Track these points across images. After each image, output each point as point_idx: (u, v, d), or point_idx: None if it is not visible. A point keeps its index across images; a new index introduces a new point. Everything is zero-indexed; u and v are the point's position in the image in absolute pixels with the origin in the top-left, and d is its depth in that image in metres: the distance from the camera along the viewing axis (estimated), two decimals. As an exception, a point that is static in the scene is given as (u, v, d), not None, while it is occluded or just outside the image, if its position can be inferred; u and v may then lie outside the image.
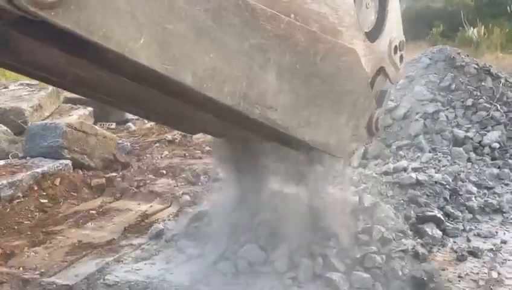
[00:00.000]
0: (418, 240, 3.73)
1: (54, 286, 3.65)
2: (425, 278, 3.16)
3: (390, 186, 4.48)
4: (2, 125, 6.83)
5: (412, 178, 4.36)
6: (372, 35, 3.39)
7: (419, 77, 6.12)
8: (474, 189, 4.40)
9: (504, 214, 4.15)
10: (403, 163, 4.83)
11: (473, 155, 5.14)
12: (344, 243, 3.48)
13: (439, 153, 5.14)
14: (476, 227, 3.96)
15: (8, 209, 5.14)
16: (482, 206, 4.21)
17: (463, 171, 4.79)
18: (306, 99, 2.64)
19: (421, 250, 3.53)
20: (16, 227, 4.97)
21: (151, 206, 5.42)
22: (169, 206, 5.35)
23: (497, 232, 3.84)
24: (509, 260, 3.37)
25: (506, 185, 4.71)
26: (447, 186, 4.31)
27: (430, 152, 5.23)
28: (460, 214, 4.10)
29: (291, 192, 3.79)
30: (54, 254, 4.32)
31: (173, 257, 4.04)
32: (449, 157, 5.06)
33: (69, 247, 4.45)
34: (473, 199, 4.27)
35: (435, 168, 4.87)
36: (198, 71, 1.98)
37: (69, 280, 3.74)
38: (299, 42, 2.49)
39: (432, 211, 3.93)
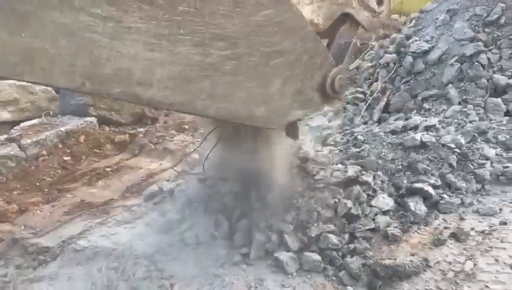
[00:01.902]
0: (401, 216, 3.21)
1: (35, 247, 3.84)
2: (377, 270, 2.72)
3: (393, 148, 3.89)
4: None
5: (415, 139, 3.71)
6: None
7: (463, 10, 5.09)
8: (492, 153, 3.62)
9: None
10: (415, 119, 4.13)
11: (512, 108, 4.24)
12: (303, 218, 3.12)
13: (469, 106, 4.30)
14: (479, 201, 3.28)
15: (33, 167, 5.50)
16: (498, 174, 3.47)
17: (492, 129, 3.97)
18: (202, 68, 2.25)
19: (392, 230, 3.03)
20: (37, 184, 5.31)
21: (160, 164, 5.43)
22: (176, 165, 5.30)
23: (501, 210, 3.14)
24: (496, 248, 2.73)
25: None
26: (456, 149, 3.59)
27: (459, 104, 4.41)
28: (464, 184, 3.42)
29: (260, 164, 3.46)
30: (54, 213, 4.55)
31: (154, 221, 4.01)
32: (481, 111, 4.22)
33: (70, 206, 4.65)
34: (487, 165, 3.52)
35: (459, 124, 4.10)
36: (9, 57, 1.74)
37: (50, 242, 3.91)
38: (179, 2, 2.10)
39: (422, 182, 3.33)
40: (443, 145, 3.63)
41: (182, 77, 2.20)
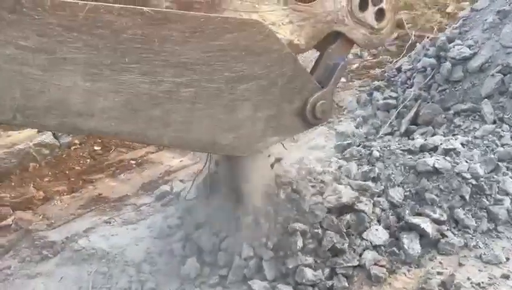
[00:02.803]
0: (392, 253, 2.93)
1: (42, 241, 4.02)
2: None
3: (405, 171, 3.55)
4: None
5: (427, 165, 3.35)
6: None
7: (516, 12, 4.48)
8: None
9: None
10: (435, 139, 3.71)
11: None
12: (284, 246, 2.95)
13: (505, 126, 3.80)
14: (486, 245, 2.89)
15: (65, 155, 5.73)
16: (517, 213, 3.04)
17: (526, 156, 3.49)
18: (152, 97, 2.14)
19: (376, 271, 2.77)
20: (66, 172, 5.54)
21: (181, 161, 5.43)
22: (196, 163, 5.26)
23: (508, 259, 2.74)
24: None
25: None
26: (471, 180, 3.18)
27: (494, 122, 3.91)
28: (473, 222, 3.03)
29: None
30: (71, 205, 4.73)
31: (155, 224, 4.03)
32: (519, 133, 3.72)
33: (87, 200, 4.81)
34: (506, 202, 3.08)
35: (488, 147, 3.65)
36: None
37: (57, 237, 4.07)
38: (123, 29, 1.99)
39: (424, 215, 2.99)
40: (457, 174, 3.24)
41: (129, 106, 2.11)
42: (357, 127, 5.15)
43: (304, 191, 3.27)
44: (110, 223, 4.20)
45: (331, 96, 2.62)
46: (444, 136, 4.05)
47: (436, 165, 3.32)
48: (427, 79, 4.77)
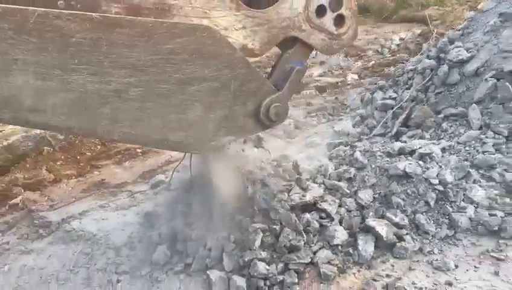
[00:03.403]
0: (347, 254, 3.00)
1: (41, 220, 4.34)
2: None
3: (379, 174, 3.57)
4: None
5: (397, 168, 3.36)
6: None
7: (519, 15, 4.33)
8: (480, 196, 3.12)
9: (500, 241, 2.88)
10: (414, 143, 3.70)
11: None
12: (245, 240, 3.08)
13: (489, 132, 3.73)
14: (440, 251, 2.88)
15: (78, 141, 6.07)
16: (479, 221, 3.00)
17: (504, 164, 3.42)
18: (101, 95, 2.31)
19: (325, 269, 2.86)
20: (77, 157, 5.89)
21: (183, 151, 5.62)
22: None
23: (457, 266, 2.74)
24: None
25: None
26: (438, 187, 3.17)
27: (480, 128, 3.84)
28: (433, 228, 3.03)
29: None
30: (75, 189, 5.05)
31: (143, 211, 4.24)
32: (502, 140, 3.62)
33: (90, 184, 5.11)
34: (469, 210, 3.06)
35: (469, 153, 3.60)
36: None
37: (54, 217, 4.38)
38: (71, 33, 2.17)
39: (385, 219, 3.03)
40: (426, 179, 3.25)
41: (78, 103, 2.29)
42: (354, 126, 5.17)
43: (273, 187, 3.38)
44: (104, 207, 4.47)
45: (285, 99, 2.70)
46: (431, 139, 4.04)
47: (407, 170, 3.34)
48: (425, 81, 4.72)
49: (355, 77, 7.16)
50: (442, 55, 4.69)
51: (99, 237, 3.89)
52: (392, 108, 4.91)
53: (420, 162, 3.43)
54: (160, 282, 3.22)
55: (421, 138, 4.13)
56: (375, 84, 6.16)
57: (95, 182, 5.16)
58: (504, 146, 3.63)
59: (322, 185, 3.58)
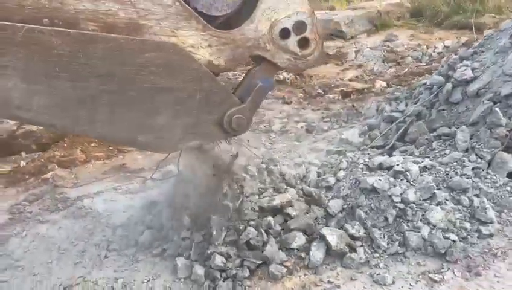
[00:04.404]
0: (300, 257, 3.24)
1: (61, 195, 4.94)
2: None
3: (354, 185, 3.74)
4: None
5: (367, 183, 3.51)
6: (236, 19, 2.90)
7: (530, 38, 4.22)
8: (437, 218, 3.19)
9: (444, 263, 2.96)
10: (393, 159, 3.79)
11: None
12: (212, 234, 3.41)
13: (473, 156, 3.73)
14: (385, 266, 3.02)
15: (111, 126, 6.65)
16: (432, 242, 3.09)
17: (477, 189, 3.45)
18: (79, 99, 2.72)
19: (273, 269, 3.12)
20: (109, 141, 6.47)
21: (199, 144, 6.02)
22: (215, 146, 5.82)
23: (394, 282, 2.87)
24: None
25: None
26: (400, 205, 3.28)
27: (466, 151, 3.85)
28: (385, 243, 3.17)
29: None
30: (98, 170, 5.62)
31: (148, 197, 4.70)
32: (482, 164, 3.63)
33: (111, 167, 5.67)
34: (424, 231, 3.14)
35: (447, 175, 3.66)
36: None
37: (73, 194, 4.96)
38: (54, 46, 2.59)
39: (341, 229, 3.22)
40: (389, 196, 3.38)
41: (59, 105, 2.72)
42: (360, 136, 5.29)
43: (247, 189, 3.68)
44: (116, 190, 4.98)
45: (248, 112, 2.97)
46: (419, 156, 4.11)
47: (375, 185, 3.49)
48: (431, 96, 4.75)
49: (384, 84, 7.16)
50: (451, 72, 4.69)
51: (103, 216, 4.39)
52: (397, 121, 4.99)
53: (391, 179, 3.56)
54: (138, 262, 3.64)
55: (411, 154, 4.22)
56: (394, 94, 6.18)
57: (116, 165, 5.70)
58: (484, 171, 3.65)
59: (301, 191, 3.83)
